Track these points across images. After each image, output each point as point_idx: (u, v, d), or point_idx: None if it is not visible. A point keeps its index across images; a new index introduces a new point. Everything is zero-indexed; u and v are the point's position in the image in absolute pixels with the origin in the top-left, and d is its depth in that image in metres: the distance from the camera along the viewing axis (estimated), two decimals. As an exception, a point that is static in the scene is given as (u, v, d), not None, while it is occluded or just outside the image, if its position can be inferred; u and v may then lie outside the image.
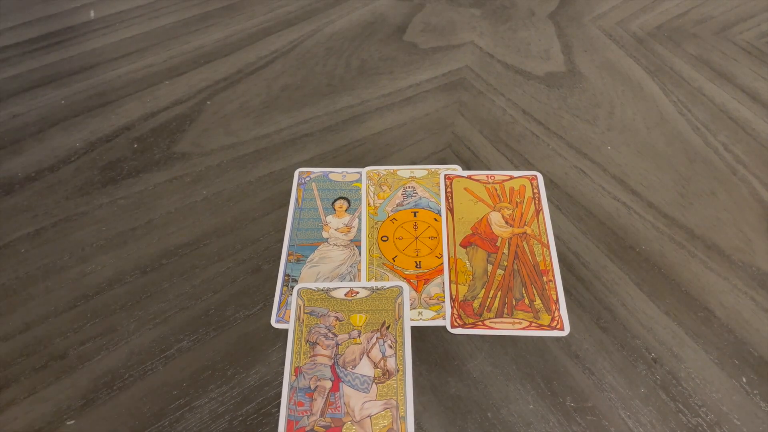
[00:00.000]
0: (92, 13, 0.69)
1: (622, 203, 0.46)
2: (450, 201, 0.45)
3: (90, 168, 0.50)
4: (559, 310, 0.39)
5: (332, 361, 0.36)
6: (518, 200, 0.46)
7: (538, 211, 0.45)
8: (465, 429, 0.34)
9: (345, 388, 0.34)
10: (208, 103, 0.57)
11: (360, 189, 0.47)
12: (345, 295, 0.39)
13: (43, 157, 0.51)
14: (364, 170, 0.48)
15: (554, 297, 0.39)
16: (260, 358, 0.37)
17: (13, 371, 0.37)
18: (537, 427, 0.34)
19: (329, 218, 0.45)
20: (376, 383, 0.35)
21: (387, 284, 0.40)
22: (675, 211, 0.45)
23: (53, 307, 0.40)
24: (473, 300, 0.39)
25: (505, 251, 0.42)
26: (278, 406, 0.34)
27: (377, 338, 0.37)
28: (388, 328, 0.37)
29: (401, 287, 0.39)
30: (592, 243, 0.43)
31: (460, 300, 0.39)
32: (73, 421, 0.34)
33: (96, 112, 0.56)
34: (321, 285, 0.40)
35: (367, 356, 0.36)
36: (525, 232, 0.43)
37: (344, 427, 0.33)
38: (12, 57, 0.62)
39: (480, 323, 0.38)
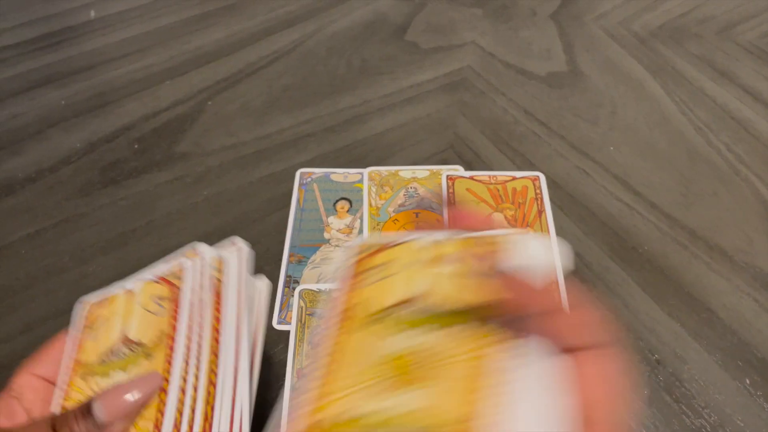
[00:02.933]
0: (92, 13, 0.69)
1: (625, 204, 0.46)
2: (452, 195, 0.45)
3: (90, 168, 0.50)
4: (561, 311, 0.39)
5: (334, 362, 0.35)
6: (520, 201, 0.45)
7: (541, 211, 0.45)
8: (467, 431, 0.34)
9: (347, 390, 0.34)
10: (209, 103, 0.56)
11: (362, 190, 0.47)
12: (347, 296, 0.39)
13: (43, 157, 0.51)
14: (366, 171, 0.48)
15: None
16: (262, 360, 0.37)
17: (14, 373, 0.36)
18: (540, 429, 0.34)
19: (331, 219, 0.45)
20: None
21: (389, 285, 0.40)
22: (677, 211, 0.45)
23: (54, 309, 0.40)
24: (475, 301, 0.39)
25: (508, 252, 0.42)
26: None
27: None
28: None
29: (403, 288, 0.39)
30: (595, 244, 0.43)
31: (462, 301, 0.39)
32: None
33: (96, 113, 0.55)
34: (323, 286, 0.39)
35: (369, 358, 0.36)
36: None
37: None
38: (12, 57, 0.62)
39: (482, 324, 0.38)
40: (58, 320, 0.39)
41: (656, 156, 0.50)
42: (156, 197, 0.47)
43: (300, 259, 0.42)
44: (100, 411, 0.19)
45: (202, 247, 0.26)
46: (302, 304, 0.38)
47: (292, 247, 0.43)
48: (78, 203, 0.47)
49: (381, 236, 0.23)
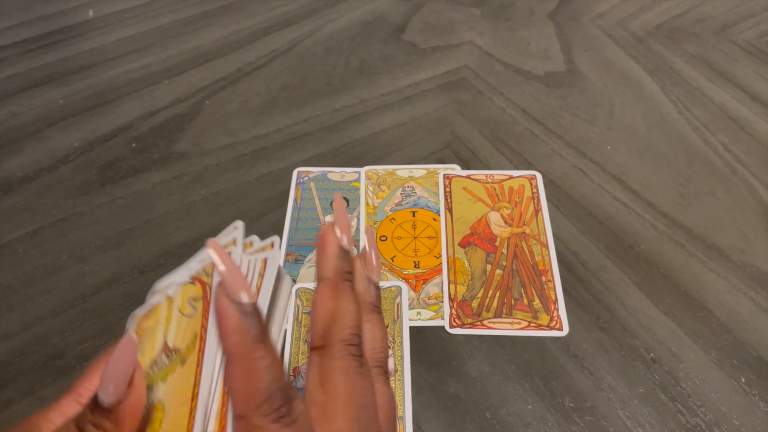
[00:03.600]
0: (91, 13, 0.69)
1: (622, 203, 0.46)
2: (449, 201, 0.45)
3: (88, 168, 0.50)
4: (558, 310, 0.39)
5: (331, 361, 0.35)
6: (517, 200, 0.46)
7: (537, 210, 0.45)
8: (463, 429, 0.34)
9: (343, 389, 0.34)
10: (207, 102, 0.57)
11: (359, 189, 0.47)
12: (343, 295, 0.39)
13: (41, 156, 0.51)
14: (363, 170, 0.48)
15: (553, 297, 0.39)
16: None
17: (12, 371, 0.36)
18: (536, 427, 0.34)
19: (328, 218, 0.45)
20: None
21: (385, 284, 0.40)
22: (674, 210, 0.45)
23: (51, 307, 0.40)
24: (472, 300, 0.39)
25: (504, 251, 0.42)
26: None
27: (376, 338, 0.37)
28: (386, 328, 0.37)
29: (400, 287, 0.39)
30: (592, 243, 0.43)
31: (458, 300, 0.39)
32: (71, 422, 0.34)
33: (94, 112, 0.55)
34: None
35: (366, 356, 0.36)
36: (524, 232, 0.43)
37: (342, 427, 0.33)
38: (11, 56, 0.62)
39: (479, 323, 0.38)
40: (57, 319, 0.39)
41: (654, 155, 0.50)
42: (154, 196, 0.47)
43: (297, 258, 0.42)
44: (104, 396, 0.19)
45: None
46: (299, 302, 0.38)
47: (289, 245, 0.43)
48: (76, 202, 0.47)
49: (151, 300, 0.24)
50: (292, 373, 0.35)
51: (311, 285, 0.39)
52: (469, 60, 0.61)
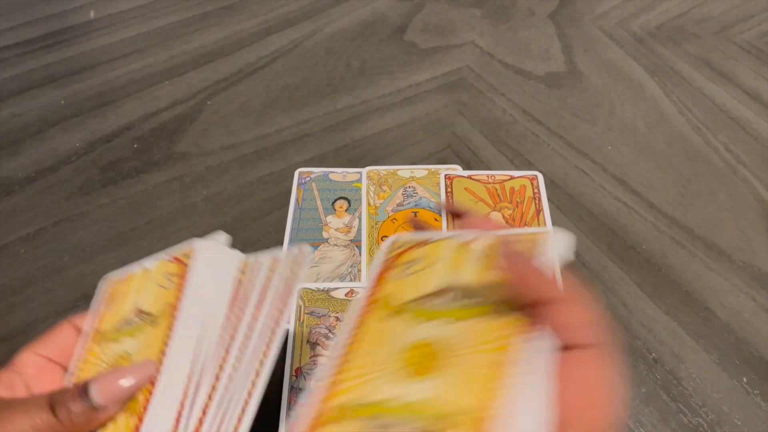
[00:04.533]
0: (92, 13, 0.69)
1: (623, 203, 0.46)
2: (450, 201, 0.45)
3: (90, 168, 0.50)
4: (559, 310, 0.39)
5: (332, 361, 0.35)
6: (518, 200, 0.46)
7: (539, 211, 0.45)
8: (465, 429, 0.34)
9: (345, 389, 0.34)
10: (208, 103, 0.57)
11: (360, 189, 0.47)
12: (345, 295, 0.39)
13: (43, 157, 0.51)
14: (365, 170, 0.48)
15: (555, 297, 0.39)
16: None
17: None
18: (537, 427, 0.34)
19: (329, 218, 0.45)
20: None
21: (387, 284, 0.40)
22: (675, 211, 0.45)
23: (53, 308, 0.40)
24: (474, 300, 0.39)
25: (506, 251, 0.42)
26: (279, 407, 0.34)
27: (378, 338, 0.37)
28: None
29: (402, 287, 0.39)
30: (593, 243, 0.43)
31: (460, 300, 0.39)
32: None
33: (96, 113, 0.56)
34: (321, 285, 0.40)
35: (368, 356, 0.36)
36: (525, 232, 0.43)
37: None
38: (12, 57, 0.62)
39: (480, 323, 0.38)
40: (58, 319, 0.38)
41: (654, 155, 0.50)
42: (155, 197, 0.47)
43: (299, 259, 0.42)
44: (96, 393, 0.20)
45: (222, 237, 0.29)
46: (301, 302, 0.38)
47: (290, 246, 0.43)
48: (78, 203, 0.47)
49: (415, 234, 0.25)
50: (294, 374, 0.35)
51: (313, 285, 0.39)
52: (470, 60, 0.61)
